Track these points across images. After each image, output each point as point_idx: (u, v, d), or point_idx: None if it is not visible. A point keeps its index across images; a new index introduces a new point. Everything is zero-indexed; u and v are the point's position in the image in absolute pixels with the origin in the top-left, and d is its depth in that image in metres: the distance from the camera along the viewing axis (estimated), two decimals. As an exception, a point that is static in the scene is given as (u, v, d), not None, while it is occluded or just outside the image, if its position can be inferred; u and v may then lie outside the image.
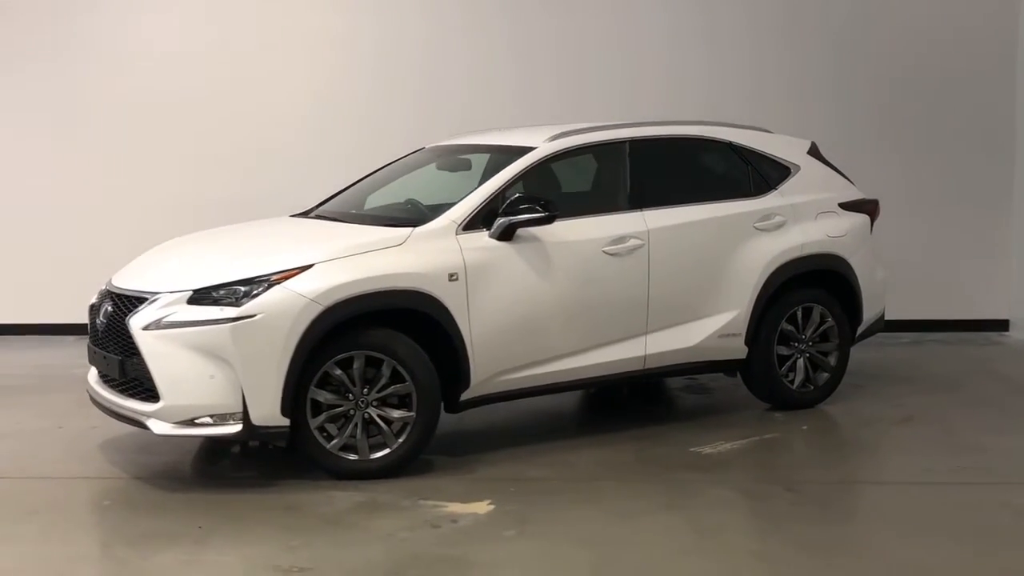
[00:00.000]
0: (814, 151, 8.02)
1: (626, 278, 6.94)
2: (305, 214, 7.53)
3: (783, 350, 7.57)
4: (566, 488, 6.15)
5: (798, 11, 10.35)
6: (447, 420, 6.99)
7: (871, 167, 9.76)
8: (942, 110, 10.36)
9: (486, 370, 6.51)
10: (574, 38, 10.40)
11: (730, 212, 7.38)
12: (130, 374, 6.22)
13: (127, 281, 6.52)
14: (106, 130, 10.65)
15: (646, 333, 7.04)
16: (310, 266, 6.12)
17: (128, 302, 6.30)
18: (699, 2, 10.40)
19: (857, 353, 8.64)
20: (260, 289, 6.01)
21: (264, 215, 8.08)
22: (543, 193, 7.07)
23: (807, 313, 7.63)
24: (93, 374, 6.76)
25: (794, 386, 7.61)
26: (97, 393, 6.59)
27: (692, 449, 6.80)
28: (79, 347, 9.92)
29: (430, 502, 5.88)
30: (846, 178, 8.11)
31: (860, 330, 7.98)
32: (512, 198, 6.59)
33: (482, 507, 5.80)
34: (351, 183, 7.89)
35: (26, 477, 6.49)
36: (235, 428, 6.00)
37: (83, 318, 9.55)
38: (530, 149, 6.97)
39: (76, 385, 8.40)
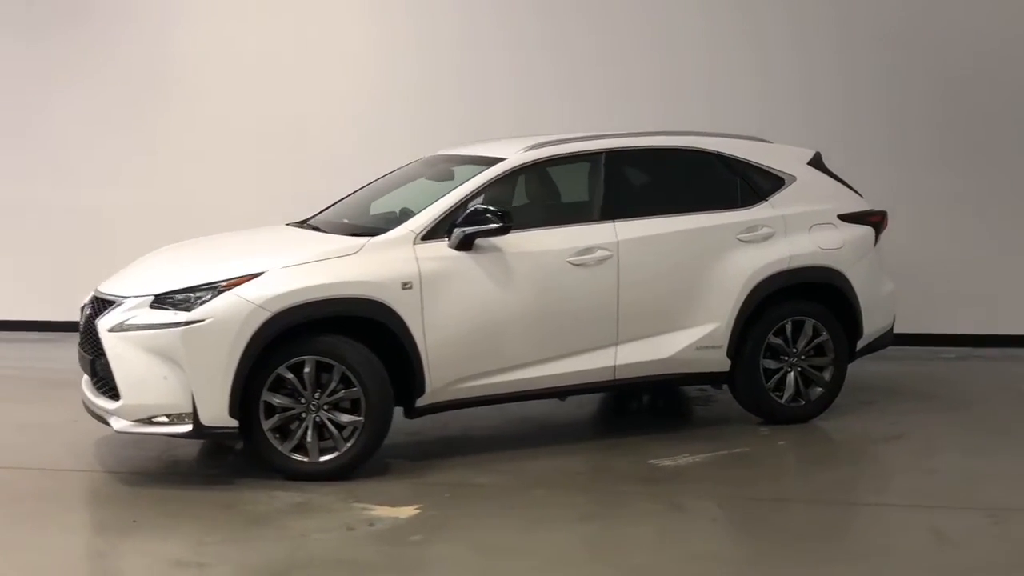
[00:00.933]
0: (816, 161, 7.89)
1: (593, 289, 6.97)
2: (301, 223, 7.77)
3: (772, 364, 7.46)
4: (501, 495, 6.24)
5: (848, 18, 10.10)
6: (415, 426, 7.18)
7: (920, 175, 9.50)
8: (994, 118, 9.97)
9: (442, 378, 6.64)
10: (614, 49, 10.40)
11: (710, 223, 7.32)
12: (99, 373, 6.57)
13: (107, 285, 6.89)
14: (143, 134, 11.15)
15: (616, 344, 7.06)
16: (260, 273, 6.36)
17: (102, 305, 6.66)
18: (739, 10, 10.26)
19: (883, 368, 8.53)
20: (211, 295, 6.28)
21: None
22: (514, 205, 7.16)
23: (798, 326, 7.50)
24: (85, 375, 7.15)
25: (783, 400, 7.49)
26: (84, 394, 6.95)
27: (651, 461, 6.79)
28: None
29: (361, 505, 6.04)
30: (852, 189, 7.95)
31: (862, 344, 7.78)
32: (471, 209, 6.70)
33: (408, 511, 5.94)
34: (351, 192, 8.08)
35: (11, 468, 6.89)
36: (186, 428, 6.28)
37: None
38: (500, 160, 7.07)
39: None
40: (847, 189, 7.92)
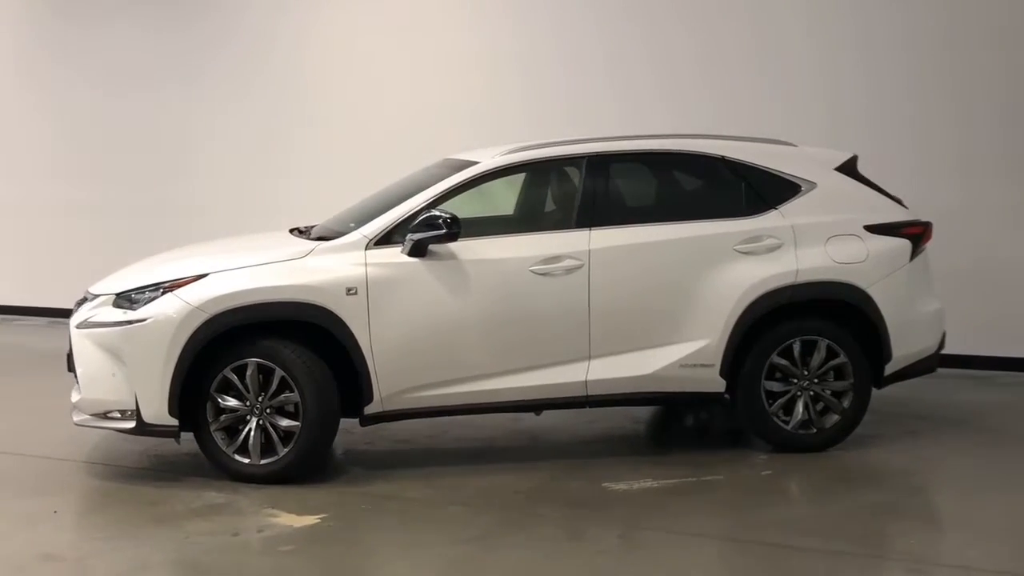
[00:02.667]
0: (847, 167, 7.20)
1: (560, 300, 6.65)
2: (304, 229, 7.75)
3: (776, 386, 6.88)
4: (415, 511, 6.05)
5: (914, 20, 9.21)
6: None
7: (985, 184, 8.55)
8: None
9: (391, 386, 6.51)
10: (715, 53, 9.90)
11: (701, 233, 6.82)
12: (72, 367, 6.85)
13: (97, 284, 7.15)
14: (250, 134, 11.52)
15: (588, 358, 6.70)
16: (204, 275, 6.44)
17: (83, 301, 6.93)
18: (805, 17, 9.54)
19: (943, 394, 7.77)
20: (155, 295, 6.42)
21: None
22: (483, 212, 6.94)
23: (809, 347, 6.87)
24: None
25: (789, 427, 6.89)
26: None
27: (604, 484, 6.40)
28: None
29: (271, 511, 6.01)
30: (892, 198, 7.20)
31: (894, 368, 7.04)
32: (424, 215, 6.54)
33: (307, 521, 5.87)
34: (367, 196, 8.03)
35: (16, 454, 7.28)
36: (131, 424, 6.45)
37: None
38: (472, 164, 6.86)
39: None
40: (884, 198, 7.18)
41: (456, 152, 7.94)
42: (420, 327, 6.50)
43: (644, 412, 7.91)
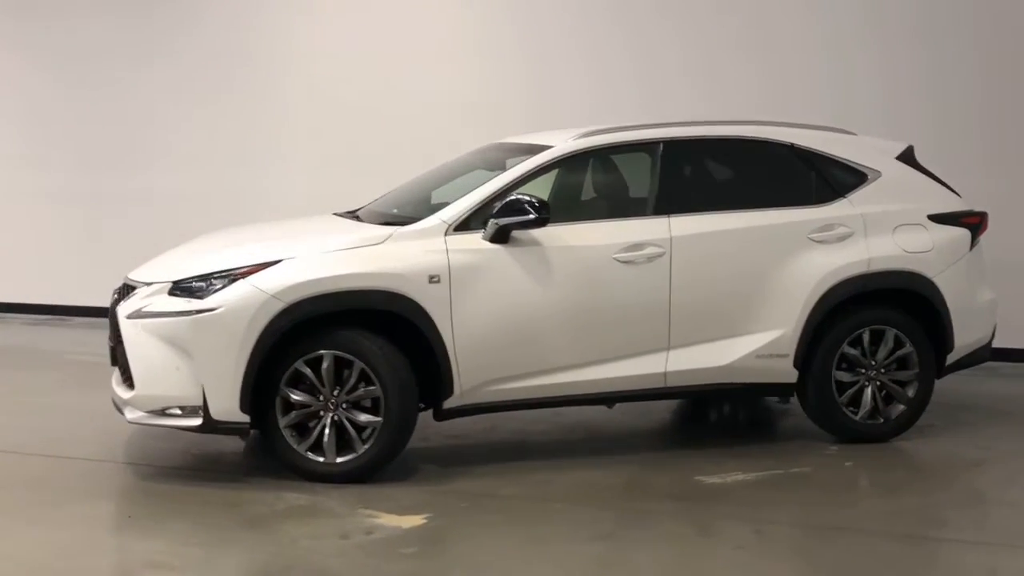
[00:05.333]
0: (907, 156, 7.17)
1: (642, 288, 6.44)
2: (350, 212, 7.44)
3: (846, 376, 6.79)
4: (518, 508, 5.78)
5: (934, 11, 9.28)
6: (459, 430, 6.76)
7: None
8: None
9: (473, 378, 6.21)
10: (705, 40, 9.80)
11: (777, 221, 6.70)
12: (119, 361, 6.35)
13: (136, 271, 6.66)
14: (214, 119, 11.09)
15: (668, 349, 6.51)
16: (277, 262, 6.04)
17: (126, 291, 6.44)
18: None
19: (985, 385, 7.73)
20: (225, 283, 5.99)
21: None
22: (560, 196, 6.70)
23: (877, 336, 6.81)
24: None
25: (858, 417, 6.81)
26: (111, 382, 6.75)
27: (696, 478, 6.23)
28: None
29: (368, 511, 5.67)
30: (948, 187, 7.19)
31: (953, 359, 7.04)
32: (508, 199, 6.25)
33: (413, 521, 5.54)
34: (407, 181, 7.72)
35: (30, 454, 6.74)
36: (197, 421, 6.00)
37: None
38: (546, 148, 6.60)
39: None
40: (942, 187, 7.18)
41: (505, 137, 7.69)
42: (502, 316, 6.22)
43: (666, 406, 7.71)
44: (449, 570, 5.01)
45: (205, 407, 5.95)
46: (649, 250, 6.43)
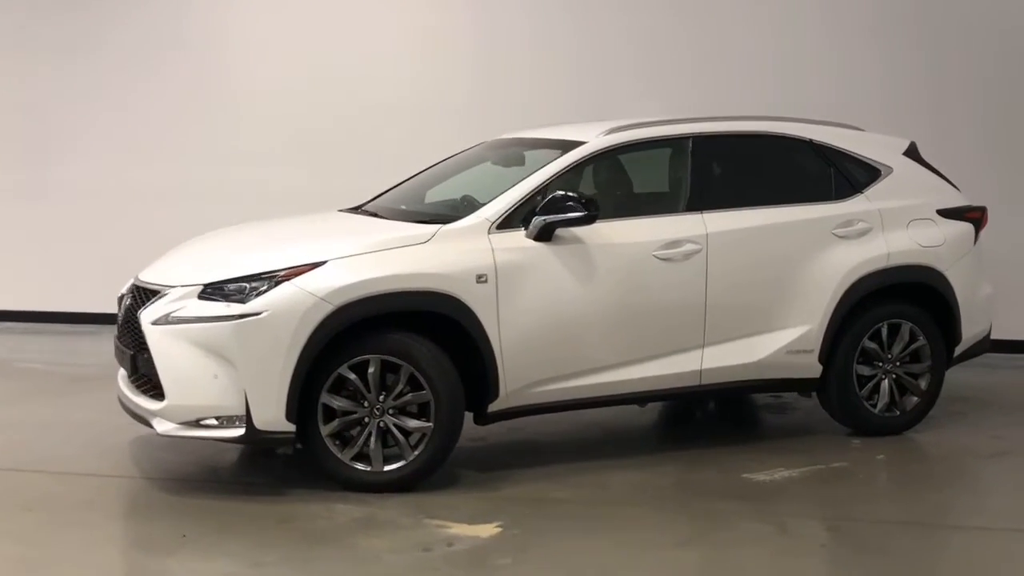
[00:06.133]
0: (912, 152, 7.27)
1: (680, 286, 6.37)
2: (355, 209, 7.17)
3: (865, 370, 6.85)
4: (585, 514, 5.64)
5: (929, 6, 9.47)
6: (482, 431, 6.57)
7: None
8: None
9: (517, 380, 6.03)
10: (695, 32, 9.79)
11: (805, 217, 6.71)
12: (140, 370, 5.97)
13: (147, 273, 6.28)
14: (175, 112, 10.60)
15: (703, 346, 6.45)
16: (323, 263, 5.75)
17: (144, 295, 6.05)
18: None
19: (964, 376, 7.87)
20: (267, 285, 5.67)
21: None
22: (592, 192, 6.57)
23: (894, 330, 6.89)
24: (122, 370, 6.56)
25: (876, 410, 6.88)
26: (120, 390, 6.36)
27: (744, 475, 6.19)
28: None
29: (435, 521, 5.44)
30: (950, 183, 7.32)
31: (959, 351, 7.17)
32: (551, 196, 6.08)
33: (487, 530, 5.34)
34: (406, 178, 7.48)
35: (34, 471, 6.29)
36: (239, 432, 5.68)
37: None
38: (580, 143, 6.46)
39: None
40: (944, 182, 7.30)
41: (509, 132, 7.53)
42: (547, 316, 6.06)
43: (653, 405, 7.61)
44: (560, 580, 4.84)
45: (248, 416, 5.63)
46: (687, 247, 6.36)
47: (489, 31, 10.14)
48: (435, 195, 7.23)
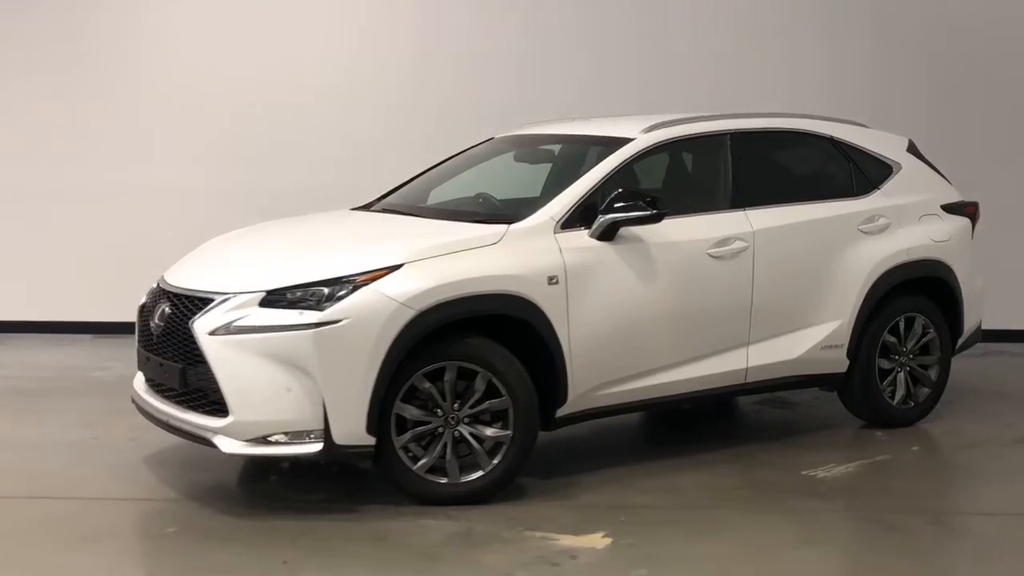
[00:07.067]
0: (912, 149, 7.43)
1: (729, 283, 6.32)
2: (367, 207, 6.86)
3: (883, 363, 6.96)
4: (679, 518, 5.51)
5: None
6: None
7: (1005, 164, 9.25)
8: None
9: (584, 383, 5.87)
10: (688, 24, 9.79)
11: (835, 213, 6.77)
12: (193, 384, 5.53)
13: (187, 279, 5.83)
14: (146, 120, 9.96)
15: (748, 344, 6.42)
16: (399, 266, 5.45)
17: (190, 303, 5.61)
18: None
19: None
20: (344, 291, 5.34)
21: (321, 207, 7.39)
22: (637, 188, 6.45)
23: (908, 323, 7.02)
24: (140, 380, 6.08)
25: (894, 402, 7.00)
26: (147, 403, 5.90)
27: (803, 472, 6.18)
28: (97, 347, 9.30)
29: (538, 533, 5.23)
30: (944, 178, 7.51)
31: (959, 342, 7.37)
32: (615, 193, 5.93)
33: (597, 540, 5.17)
34: (414, 175, 7.20)
35: (73, 497, 5.77)
36: (314, 447, 5.32)
37: (102, 316, 8.97)
38: (627, 140, 6.33)
39: (102, 389, 7.83)
40: (942, 178, 7.49)
41: (521, 128, 7.32)
42: (612, 316, 5.93)
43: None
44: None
45: (327, 431, 5.29)
46: (736, 244, 6.33)
47: (476, 29, 9.91)
48: (443, 193, 6.99)
